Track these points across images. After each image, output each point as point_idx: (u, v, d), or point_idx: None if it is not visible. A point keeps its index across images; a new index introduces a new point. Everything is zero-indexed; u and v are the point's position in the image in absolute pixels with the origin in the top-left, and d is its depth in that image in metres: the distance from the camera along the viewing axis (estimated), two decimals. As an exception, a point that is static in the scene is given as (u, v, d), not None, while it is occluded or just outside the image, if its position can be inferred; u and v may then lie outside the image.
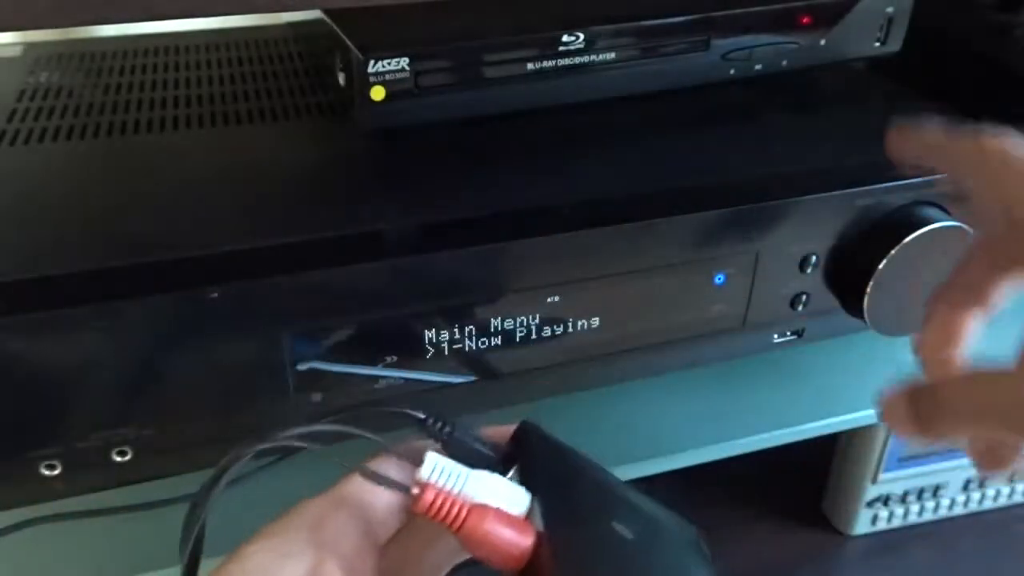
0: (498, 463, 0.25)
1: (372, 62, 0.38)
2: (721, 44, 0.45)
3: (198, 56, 0.56)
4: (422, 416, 0.25)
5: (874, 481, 0.65)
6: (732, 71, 0.46)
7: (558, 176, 0.40)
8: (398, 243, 0.35)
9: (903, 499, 0.66)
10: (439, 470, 0.23)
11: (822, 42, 0.47)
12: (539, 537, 0.23)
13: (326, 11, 0.43)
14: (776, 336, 0.43)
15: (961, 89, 0.56)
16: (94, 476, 0.34)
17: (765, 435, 0.44)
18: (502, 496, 0.24)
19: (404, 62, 0.38)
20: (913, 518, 0.68)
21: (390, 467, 0.25)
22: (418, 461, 0.24)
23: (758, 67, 0.46)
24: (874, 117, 0.50)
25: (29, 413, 0.31)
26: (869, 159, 0.42)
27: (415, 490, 0.23)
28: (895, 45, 0.49)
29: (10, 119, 0.46)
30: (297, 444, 0.24)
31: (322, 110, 0.47)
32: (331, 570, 0.22)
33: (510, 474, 0.25)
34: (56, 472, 0.32)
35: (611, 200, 0.38)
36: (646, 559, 0.25)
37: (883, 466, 0.64)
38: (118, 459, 0.33)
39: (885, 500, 0.66)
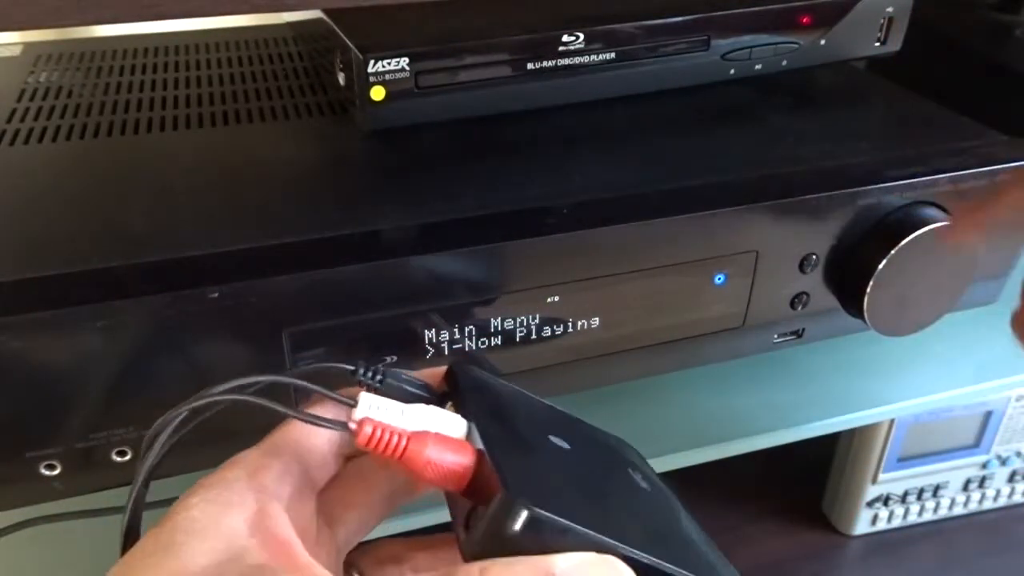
0: (432, 403, 0.26)
1: (372, 62, 0.38)
2: (721, 44, 0.45)
3: (198, 56, 0.56)
4: (351, 367, 0.25)
5: (874, 481, 0.65)
6: (732, 71, 0.46)
7: (558, 176, 0.40)
8: (398, 243, 0.35)
9: (903, 499, 0.66)
10: (374, 407, 0.24)
11: (822, 42, 0.47)
12: (479, 455, 0.23)
13: (326, 11, 0.43)
14: (776, 336, 0.43)
15: (961, 89, 0.56)
16: (94, 476, 0.34)
17: (765, 435, 0.44)
18: (438, 423, 0.24)
19: (404, 62, 0.38)
20: (913, 518, 0.68)
21: (323, 411, 0.25)
22: (351, 403, 0.24)
23: (758, 67, 0.46)
24: (874, 117, 0.50)
25: (29, 413, 0.31)
26: (869, 159, 0.42)
27: (353, 426, 0.23)
28: (895, 45, 0.49)
29: (10, 119, 0.46)
30: (231, 398, 0.24)
31: (322, 110, 0.47)
32: (275, 512, 0.23)
33: (445, 408, 0.25)
34: (56, 472, 0.32)
35: (611, 200, 0.38)
36: (585, 466, 0.26)
37: (883, 466, 0.64)
38: (118, 459, 0.33)
39: (885, 500, 0.66)
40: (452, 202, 0.38)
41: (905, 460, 0.64)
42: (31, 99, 0.49)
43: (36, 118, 0.46)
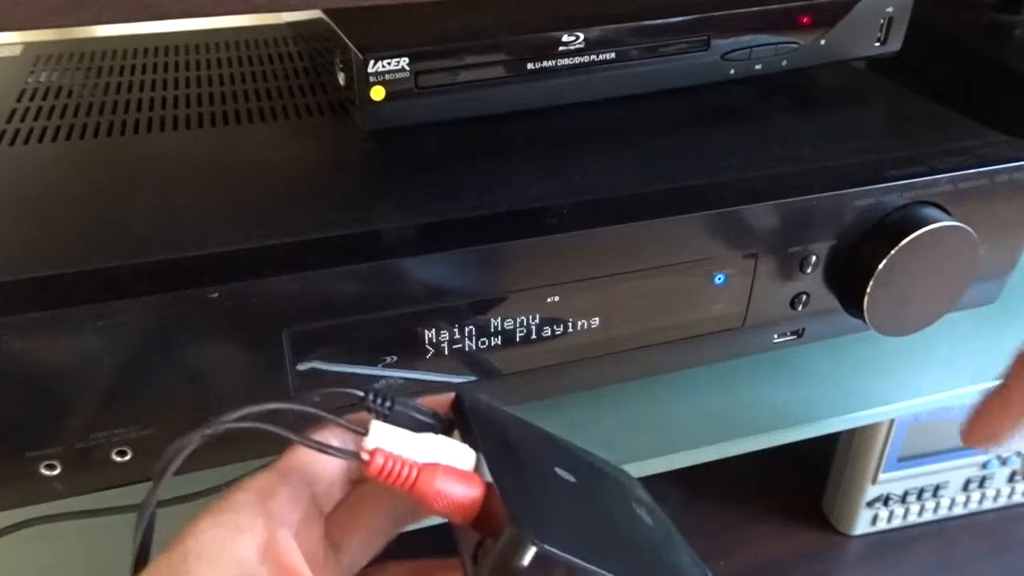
0: (440, 431, 0.26)
1: (372, 62, 0.38)
2: (721, 44, 0.45)
3: (198, 56, 0.56)
4: (361, 394, 0.25)
5: (874, 481, 0.65)
6: (732, 71, 0.46)
7: (558, 176, 0.40)
8: (398, 243, 0.35)
9: (903, 499, 0.66)
10: (385, 437, 0.24)
11: (822, 42, 0.47)
12: (488, 488, 0.24)
13: (326, 11, 0.43)
14: (776, 336, 0.43)
15: (961, 89, 0.56)
16: (94, 476, 0.34)
17: (765, 435, 0.44)
18: (448, 454, 0.24)
19: (404, 62, 0.38)
20: (913, 518, 0.68)
21: (333, 438, 0.25)
22: (361, 431, 0.24)
23: (758, 67, 0.46)
24: (874, 117, 0.50)
25: (29, 413, 0.31)
26: (869, 159, 0.42)
27: (365, 456, 0.23)
28: (895, 45, 0.49)
29: (10, 119, 0.46)
30: (243, 426, 0.24)
31: (322, 110, 0.47)
32: (283, 539, 0.23)
33: (453, 437, 0.26)
34: (56, 472, 0.32)
35: (611, 200, 0.38)
36: (590, 500, 0.26)
37: (883, 466, 0.64)
38: (118, 459, 0.33)
39: (885, 500, 0.66)
40: (452, 202, 0.38)
41: (905, 460, 0.64)
42: (31, 99, 0.49)
43: (36, 118, 0.46)
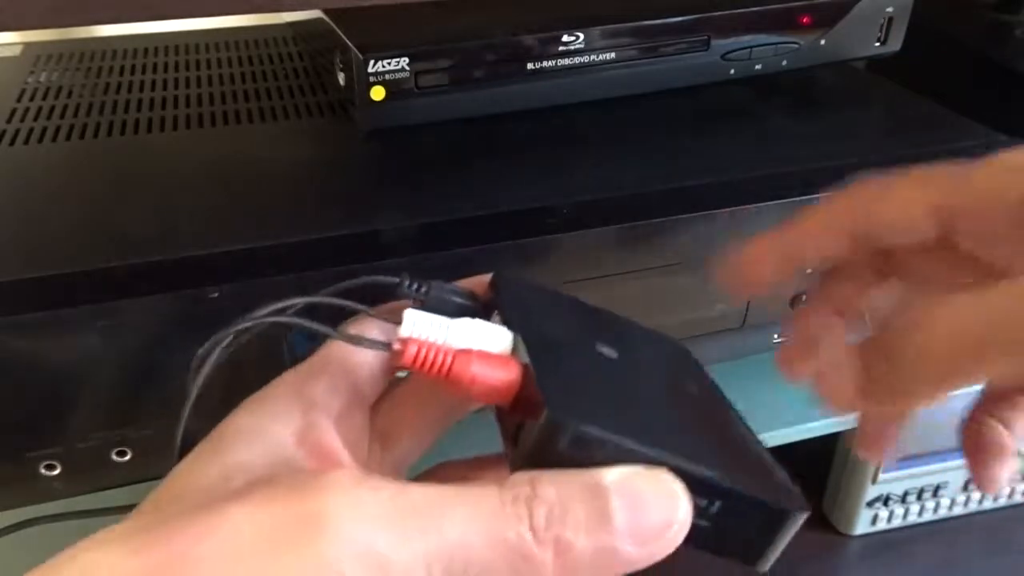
0: (478, 312, 0.25)
1: (372, 62, 0.38)
2: (721, 44, 0.45)
3: (198, 56, 0.56)
4: (396, 280, 0.25)
5: (874, 481, 0.65)
6: (732, 71, 0.46)
7: (558, 176, 0.40)
8: (398, 243, 0.35)
9: (903, 499, 0.66)
10: (419, 325, 0.23)
11: (822, 42, 0.47)
12: (525, 369, 0.23)
13: (326, 11, 0.43)
14: (776, 336, 0.43)
15: (961, 89, 0.56)
16: (94, 476, 0.34)
17: (765, 435, 0.43)
18: (484, 338, 0.24)
19: (404, 62, 0.38)
20: (913, 518, 0.68)
21: (370, 329, 0.25)
22: (396, 321, 0.24)
23: (758, 67, 0.46)
24: (874, 117, 0.50)
25: (29, 413, 0.31)
26: (869, 159, 0.42)
27: (397, 346, 0.23)
28: (895, 45, 0.49)
29: (10, 119, 0.46)
30: (275, 319, 0.24)
31: (322, 110, 0.47)
32: (322, 424, 0.23)
33: (491, 319, 0.25)
34: (56, 472, 0.32)
35: (611, 200, 0.38)
36: (632, 375, 0.25)
37: (883, 466, 0.64)
38: (118, 459, 0.33)
39: (885, 500, 0.66)
40: (452, 202, 0.38)
41: (905, 460, 0.64)
42: (31, 99, 0.49)
43: (36, 118, 0.46)
